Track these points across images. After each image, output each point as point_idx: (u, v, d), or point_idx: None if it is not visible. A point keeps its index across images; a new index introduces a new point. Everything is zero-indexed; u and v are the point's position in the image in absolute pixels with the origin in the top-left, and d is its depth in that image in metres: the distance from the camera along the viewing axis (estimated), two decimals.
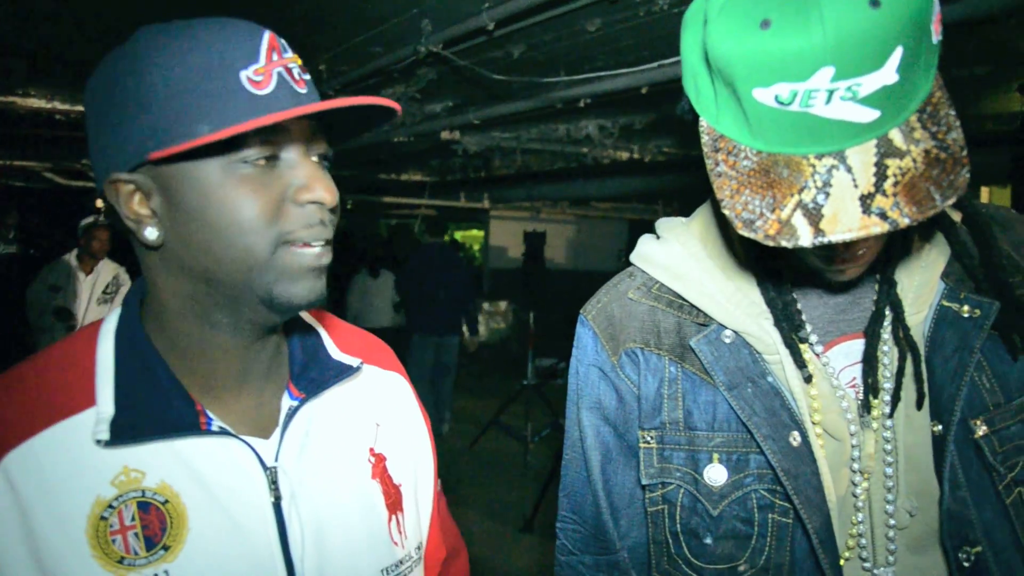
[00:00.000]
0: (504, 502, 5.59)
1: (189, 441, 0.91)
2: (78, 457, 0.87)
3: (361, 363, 1.10)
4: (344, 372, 1.07)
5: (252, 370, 0.99)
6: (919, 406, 0.97)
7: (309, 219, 0.89)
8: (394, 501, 1.07)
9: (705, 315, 1.05)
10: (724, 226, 1.08)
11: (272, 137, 0.87)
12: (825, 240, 0.77)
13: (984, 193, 9.93)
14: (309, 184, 0.89)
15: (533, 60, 4.21)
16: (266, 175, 0.88)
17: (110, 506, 0.86)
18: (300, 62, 0.91)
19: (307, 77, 0.91)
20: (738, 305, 1.03)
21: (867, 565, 0.98)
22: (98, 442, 0.86)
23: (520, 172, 9.58)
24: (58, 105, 5.61)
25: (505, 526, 5.17)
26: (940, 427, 0.95)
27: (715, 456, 1.01)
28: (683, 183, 7.46)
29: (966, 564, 0.93)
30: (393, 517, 1.06)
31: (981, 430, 0.94)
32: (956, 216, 1.03)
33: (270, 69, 0.86)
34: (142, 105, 0.84)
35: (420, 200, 11.26)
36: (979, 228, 1.00)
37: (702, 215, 1.12)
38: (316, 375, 1.04)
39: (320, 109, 0.84)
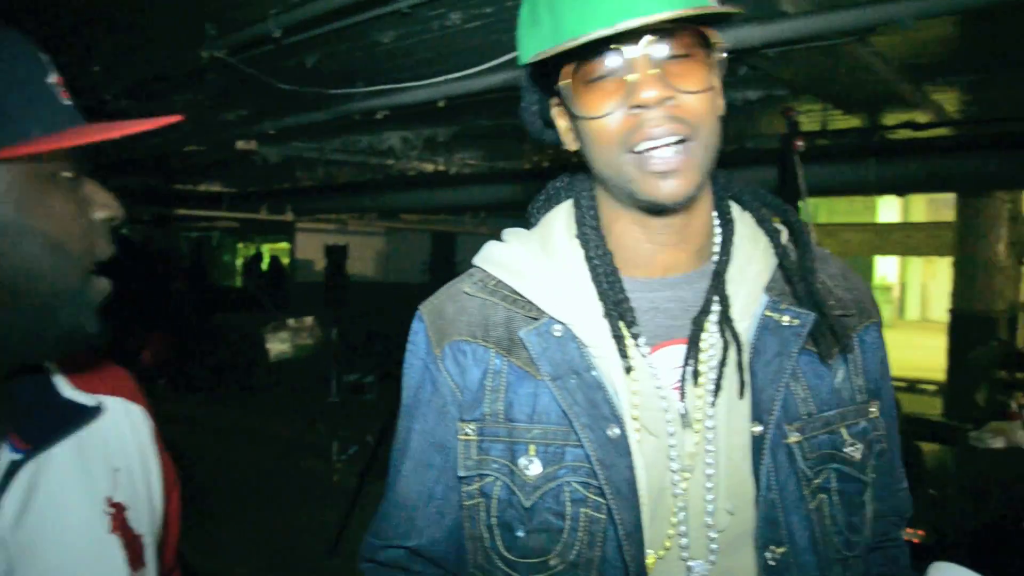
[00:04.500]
0: (310, 525, 5.40)
1: None
2: None
3: (100, 402, 0.99)
4: (79, 415, 0.96)
5: None
6: (740, 396, 1.01)
7: (106, 235, 0.88)
8: (136, 555, 0.98)
9: (538, 309, 1.06)
10: (562, 228, 1.12)
11: (70, 153, 0.85)
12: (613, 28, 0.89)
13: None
14: (105, 201, 0.87)
15: (329, 70, 4.12)
16: (70, 193, 0.85)
17: None
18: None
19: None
20: (570, 299, 1.05)
21: (684, 555, 1.01)
22: None
23: (324, 184, 9.37)
24: None
25: (311, 550, 5.00)
26: (760, 428, 1.00)
27: (532, 447, 1.02)
28: (490, 194, 7.57)
29: (771, 563, 0.98)
30: (136, 573, 0.97)
31: (794, 436, 1.00)
32: (784, 235, 1.11)
33: (62, 80, 0.85)
34: None
35: (219, 212, 10.73)
36: (802, 243, 1.08)
37: (543, 222, 1.16)
38: (44, 420, 0.92)
39: (132, 132, 0.82)
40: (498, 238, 1.17)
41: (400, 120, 5.47)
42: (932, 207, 20.24)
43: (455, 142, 6.72)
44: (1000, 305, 8.74)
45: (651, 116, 0.94)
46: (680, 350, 1.04)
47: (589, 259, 1.07)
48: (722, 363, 1.02)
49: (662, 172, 0.95)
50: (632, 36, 0.93)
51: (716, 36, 0.97)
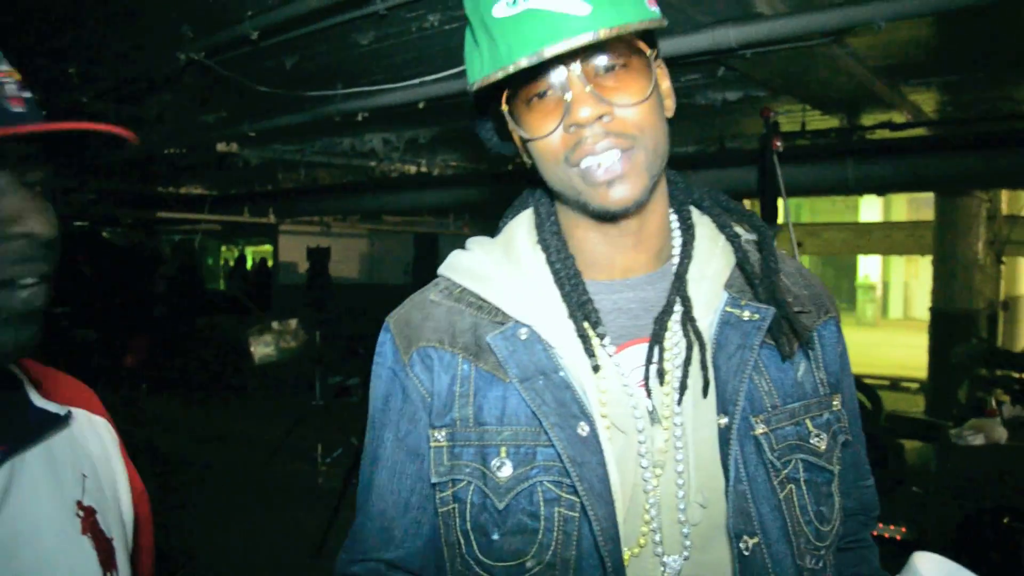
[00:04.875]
0: (295, 527, 5.39)
1: None
2: None
3: (69, 411, 1.00)
4: (50, 422, 0.97)
5: None
6: (704, 393, 1.02)
7: (19, 253, 0.81)
8: (107, 557, 0.99)
9: (503, 314, 1.07)
10: (524, 234, 1.13)
11: None
12: (543, 53, 0.89)
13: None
14: (19, 215, 0.81)
15: (308, 71, 4.10)
16: None
17: None
18: (19, 77, 0.84)
19: (26, 95, 0.83)
20: (535, 302, 1.06)
21: (659, 551, 1.01)
22: None
23: (306, 186, 9.34)
24: None
25: (297, 552, 4.98)
26: (725, 420, 1.01)
27: (503, 450, 1.02)
28: (472, 196, 7.57)
29: (745, 553, 0.99)
30: (108, 574, 0.98)
31: (760, 428, 1.02)
32: (744, 237, 1.12)
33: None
34: None
35: (201, 215, 10.68)
36: (765, 244, 1.10)
37: (506, 229, 1.17)
38: (18, 425, 0.94)
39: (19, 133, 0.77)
40: (463, 247, 1.19)
41: (381, 122, 5.46)
42: (913, 206, 20.41)
43: (437, 143, 6.72)
44: (980, 303, 8.82)
45: (589, 134, 0.96)
46: (644, 349, 1.05)
47: (551, 263, 1.08)
48: (687, 361, 1.04)
49: (608, 180, 0.97)
50: (564, 56, 0.94)
51: (646, 48, 0.98)
